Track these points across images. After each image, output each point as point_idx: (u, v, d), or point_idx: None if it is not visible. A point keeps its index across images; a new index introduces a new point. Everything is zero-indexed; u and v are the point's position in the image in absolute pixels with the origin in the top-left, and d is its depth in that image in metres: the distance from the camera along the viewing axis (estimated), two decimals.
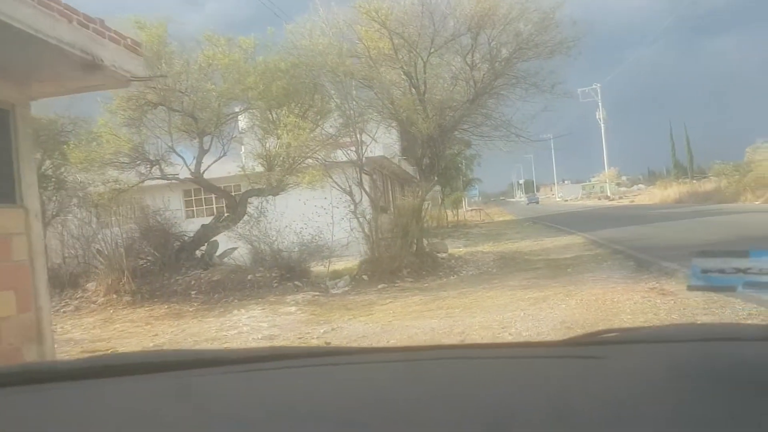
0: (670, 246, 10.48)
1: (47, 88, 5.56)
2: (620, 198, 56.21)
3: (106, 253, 10.86)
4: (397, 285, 9.84)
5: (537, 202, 77.51)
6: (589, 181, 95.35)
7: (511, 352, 1.33)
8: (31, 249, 5.14)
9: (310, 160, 10.84)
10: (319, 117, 11.16)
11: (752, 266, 1.03)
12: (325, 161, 11.16)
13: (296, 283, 10.05)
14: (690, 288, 1.07)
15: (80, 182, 11.87)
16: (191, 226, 12.05)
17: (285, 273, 10.25)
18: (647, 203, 38.48)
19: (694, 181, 39.68)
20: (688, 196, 33.28)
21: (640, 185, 76.45)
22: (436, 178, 12.70)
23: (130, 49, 5.57)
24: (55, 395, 1.12)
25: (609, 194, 63.56)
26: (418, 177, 12.79)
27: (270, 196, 11.14)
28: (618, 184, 75.67)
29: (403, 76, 11.16)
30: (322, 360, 1.29)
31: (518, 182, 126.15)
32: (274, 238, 10.65)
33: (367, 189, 11.45)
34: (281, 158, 10.55)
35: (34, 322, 5.09)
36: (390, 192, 17.48)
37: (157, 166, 11.30)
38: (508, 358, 1.24)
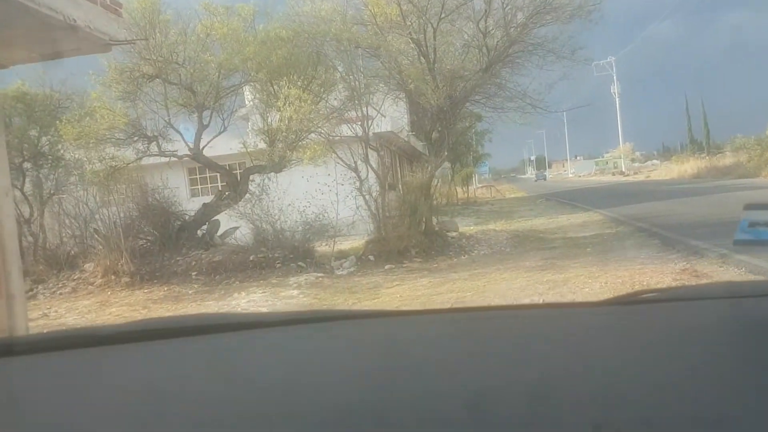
0: (697, 223, 9.89)
1: (16, 53, 5.03)
2: (635, 173, 55.29)
3: (104, 232, 10.47)
4: (404, 266, 9.33)
5: (544, 179, 77.18)
6: (602, 157, 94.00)
7: (552, 313, 1.36)
8: (1, 231, 4.66)
9: (313, 135, 10.29)
10: (322, 89, 10.56)
11: None
12: (330, 136, 10.59)
13: (300, 263, 9.58)
14: (736, 243, 1.06)
15: (77, 160, 11.46)
16: (196, 205, 11.62)
17: (288, 253, 9.78)
18: (664, 179, 37.64)
19: (711, 157, 38.73)
20: (707, 171, 32.48)
21: (655, 161, 75.28)
22: (446, 154, 12.10)
23: (109, 9, 5.03)
24: (95, 358, 1.17)
25: (623, 170, 62.58)
26: (427, 153, 12.20)
27: (272, 174, 10.64)
28: (632, 160, 74.54)
29: (412, 45, 10.49)
30: (357, 322, 1.36)
31: (530, 158, 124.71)
32: (276, 217, 10.17)
33: (374, 165, 10.89)
34: (283, 133, 10.00)
35: (4, 311, 4.64)
36: (398, 168, 16.91)
37: (155, 142, 10.85)
38: (549, 318, 1.28)
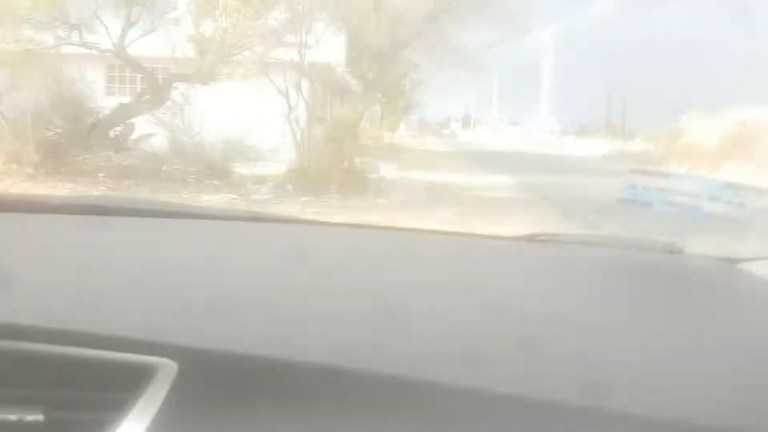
0: (597, 200, 10.54)
1: None
2: (550, 146, 57.21)
3: (11, 118, 9.84)
4: (322, 200, 9.41)
5: (455, 137, 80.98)
6: (524, 126, 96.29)
7: (468, 240, 1.56)
8: None
9: (247, 53, 9.98)
10: (263, 5, 10.19)
11: (669, 186, 1.18)
12: (264, 56, 10.31)
13: (215, 182, 9.46)
14: (619, 201, 1.22)
15: None
16: (112, 104, 11.07)
17: (204, 170, 9.63)
18: (576, 155, 39.26)
19: (623, 141, 40.58)
20: (617, 154, 34.06)
21: (570, 136, 78.12)
22: (378, 96, 12.11)
23: None
24: (43, 224, 1.22)
25: (541, 140, 64.58)
26: (359, 92, 12.16)
27: (198, 84, 10.27)
28: (551, 132, 77.00)
29: None
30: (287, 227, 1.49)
31: (457, 115, 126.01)
32: (197, 130, 9.91)
33: (305, 95, 10.76)
34: (216, 44, 9.64)
35: None
36: (329, 103, 16.72)
37: (78, 31, 10.17)
38: (470, 245, 1.45)
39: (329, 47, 13.05)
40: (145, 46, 10.69)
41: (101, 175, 9.49)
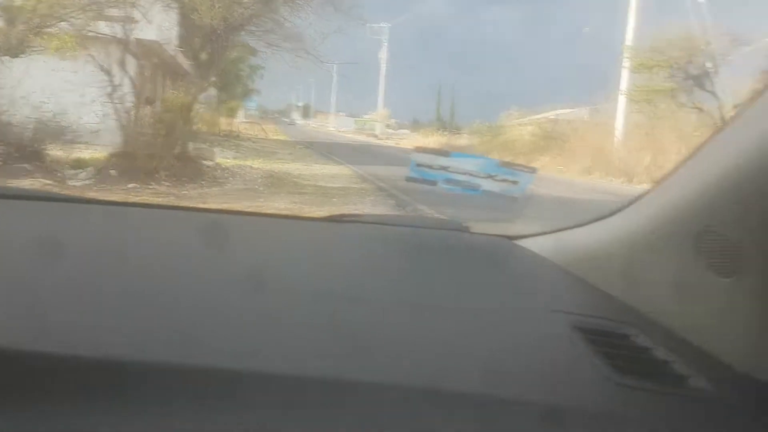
0: (428, 191, 11.07)
1: None
2: (387, 138, 59.10)
3: None
4: (150, 187, 8.86)
5: (294, 124, 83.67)
6: (362, 118, 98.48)
7: (280, 222, 1.66)
8: None
9: (64, 24, 9.06)
10: None
11: (451, 165, 1.21)
12: (83, 30, 9.43)
13: (26, 165, 8.51)
14: (407, 179, 1.27)
15: None
16: None
17: (13, 152, 8.61)
18: (410, 147, 40.89)
19: (451, 135, 43.08)
20: (446, 147, 36.10)
21: (405, 130, 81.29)
22: (213, 79, 11.62)
23: None
24: None
25: (377, 133, 66.39)
26: (193, 73, 11.60)
27: (6, 57, 9.16)
28: (387, 126, 79.45)
29: None
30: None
31: (297, 104, 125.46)
32: (4, 108, 8.83)
33: (131, 73, 10.02)
34: (27, 13, 8.64)
35: None
36: (160, 84, 15.75)
37: None
38: (283, 225, 1.55)
39: (159, 23, 12.28)
40: None
41: None
